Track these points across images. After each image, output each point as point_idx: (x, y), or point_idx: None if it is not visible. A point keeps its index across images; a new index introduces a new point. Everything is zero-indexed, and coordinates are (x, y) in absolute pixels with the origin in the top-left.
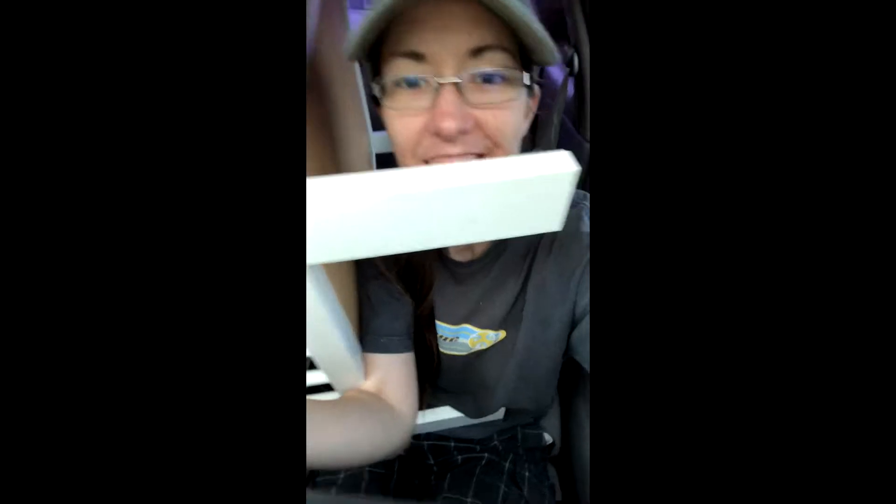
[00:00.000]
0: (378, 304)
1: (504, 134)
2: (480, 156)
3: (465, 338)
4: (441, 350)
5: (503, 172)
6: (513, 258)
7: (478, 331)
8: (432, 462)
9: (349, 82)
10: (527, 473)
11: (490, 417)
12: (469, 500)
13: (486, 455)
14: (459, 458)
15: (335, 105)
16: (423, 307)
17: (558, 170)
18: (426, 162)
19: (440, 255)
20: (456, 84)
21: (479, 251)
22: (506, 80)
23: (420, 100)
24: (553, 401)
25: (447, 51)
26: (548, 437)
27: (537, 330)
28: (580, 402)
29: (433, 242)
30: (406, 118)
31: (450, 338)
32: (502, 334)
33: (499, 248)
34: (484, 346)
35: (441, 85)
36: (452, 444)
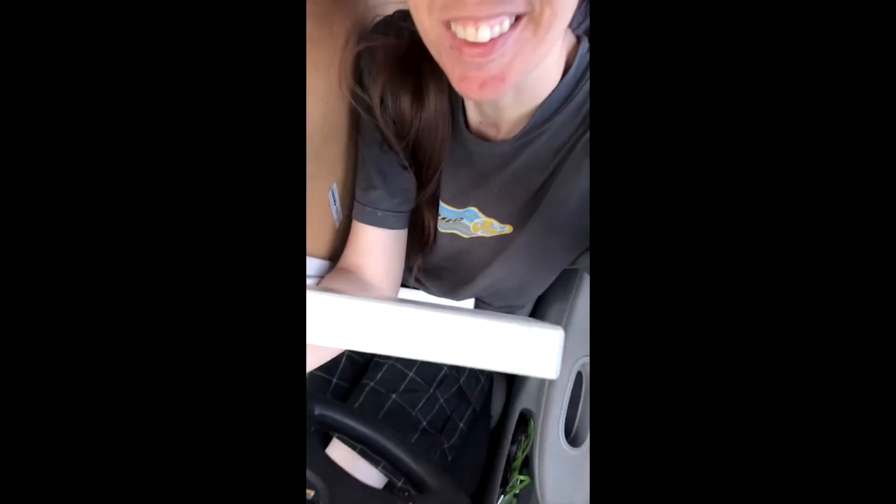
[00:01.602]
0: (379, 174)
1: None
2: (518, 18)
3: (469, 220)
4: (439, 229)
5: (472, 354)
6: (545, 150)
7: (483, 218)
8: None
9: None
10: None
11: (460, 304)
12: (411, 373)
13: None
14: None
15: None
16: (428, 188)
17: (537, 370)
18: (448, 25)
19: (458, 129)
20: None
21: (507, 132)
22: None
23: None
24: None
25: None
26: None
27: (545, 235)
28: (551, 298)
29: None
30: None
31: (452, 219)
32: (508, 229)
33: (531, 134)
34: (486, 235)
35: None
36: None
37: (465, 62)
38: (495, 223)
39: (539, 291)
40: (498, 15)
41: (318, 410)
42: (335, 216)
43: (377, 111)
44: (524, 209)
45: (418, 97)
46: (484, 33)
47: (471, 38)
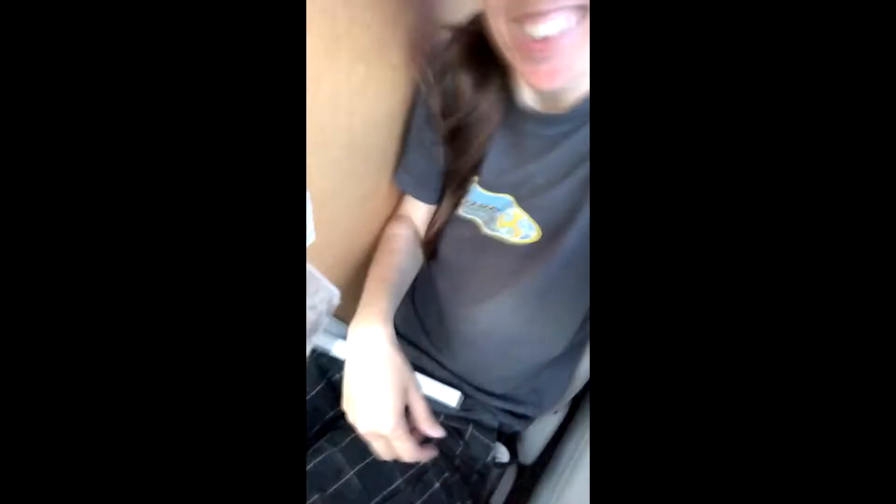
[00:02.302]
0: (420, 146)
1: None
2: (579, 12)
3: (500, 209)
4: (461, 213)
5: None
6: None
7: (515, 209)
8: None
9: None
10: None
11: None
12: (351, 472)
13: None
14: None
15: None
16: (463, 161)
17: None
18: (518, 22)
19: (512, 109)
20: None
21: (569, 103)
22: None
23: None
24: (557, 401)
25: None
26: (502, 453)
27: (576, 257)
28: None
29: None
30: None
31: (481, 203)
32: (536, 234)
33: (586, 114)
34: (509, 238)
35: None
36: None
37: (533, 58)
38: (525, 219)
39: (561, 389)
40: (560, 9)
41: None
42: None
43: (437, 88)
44: (563, 211)
45: (479, 79)
46: (550, 28)
47: (538, 34)
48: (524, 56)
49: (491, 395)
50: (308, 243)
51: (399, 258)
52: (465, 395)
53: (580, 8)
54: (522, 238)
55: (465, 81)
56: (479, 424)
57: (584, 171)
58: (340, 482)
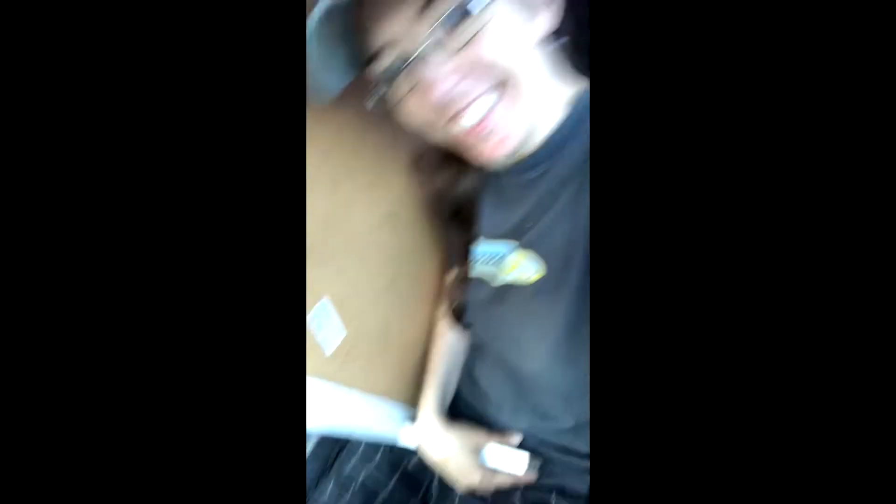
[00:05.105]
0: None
1: (501, 58)
2: (497, 90)
3: (507, 253)
4: (469, 275)
5: None
6: (569, 166)
7: (517, 252)
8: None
9: None
10: None
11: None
12: None
13: None
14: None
15: None
16: (469, 232)
17: None
18: (448, 126)
19: (492, 173)
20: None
21: (531, 150)
22: (466, 13)
23: (406, 81)
24: None
25: (398, 27)
26: None
27: (581, 286)
28: None
29: None
30: (405, 104)
31: (486, 258)
32: (542, 269)
33: (551, 146)
34: (518, 276)
35: (411, 62)
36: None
37: (476, 142)
38: (531, 253)
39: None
40: (475, 99)
41: None
42: (320, 338)
43: (433, 184)
44: (559, 240)
45: (455, 163)
46: (474, 117)
47: (468, 125)
48: (468, 144)
49: (580, 455)
50: (342, 337)
51: (444, 342)
52: (547, 460)
53: (497, 85)
54: (534, 275)
55: (444, 172)
56: (562, 491)
57: (565, 198)
58: None
